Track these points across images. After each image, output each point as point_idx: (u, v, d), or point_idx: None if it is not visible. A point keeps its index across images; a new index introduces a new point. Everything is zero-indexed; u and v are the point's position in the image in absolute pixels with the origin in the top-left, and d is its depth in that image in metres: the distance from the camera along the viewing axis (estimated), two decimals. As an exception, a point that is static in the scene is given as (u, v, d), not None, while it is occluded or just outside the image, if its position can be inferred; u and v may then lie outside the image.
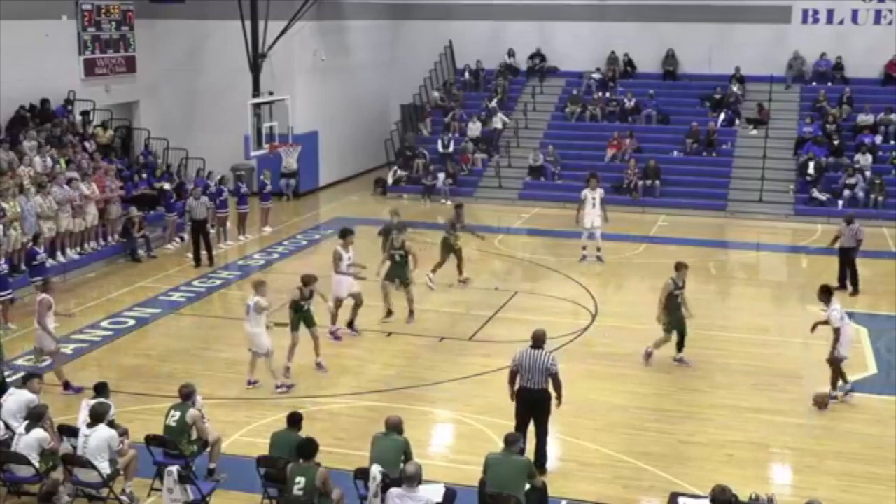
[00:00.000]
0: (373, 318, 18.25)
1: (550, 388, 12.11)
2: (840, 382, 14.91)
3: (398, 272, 18.30)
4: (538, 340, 12.23)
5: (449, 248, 21.02)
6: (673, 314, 16.09)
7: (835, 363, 14.79)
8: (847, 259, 21.05)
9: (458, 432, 14.05)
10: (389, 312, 18.43)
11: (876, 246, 24.64)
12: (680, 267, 16.32)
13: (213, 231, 24.13)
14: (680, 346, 16.31)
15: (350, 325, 17.80)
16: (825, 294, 15.07)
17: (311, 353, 16.02)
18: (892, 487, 12.20)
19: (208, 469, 11.93)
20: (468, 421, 14.02)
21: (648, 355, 16.29)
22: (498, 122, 33.19)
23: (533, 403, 12.11)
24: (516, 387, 12.23)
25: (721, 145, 31.72)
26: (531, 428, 12.20)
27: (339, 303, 17.50)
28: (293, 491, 10.08)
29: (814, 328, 15.30)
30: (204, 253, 22.74)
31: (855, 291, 20.75)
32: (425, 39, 36.56)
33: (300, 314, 15.73)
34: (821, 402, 14.66)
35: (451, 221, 21.27)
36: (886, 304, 20.60)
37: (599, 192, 22.81)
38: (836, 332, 14.65)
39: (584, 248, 23.25)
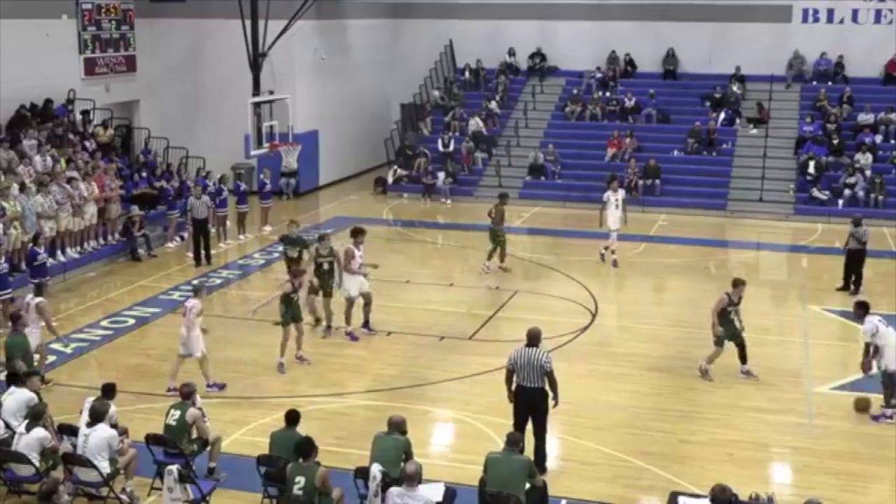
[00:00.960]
0: (373, 317, 18.28)
1: (547, 387, 12.11)
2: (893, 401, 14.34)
3: (323, 283, 17.51)
4: (533, 339, 12.24)
5: (495, 239, 21.90)
6: (726, 328, 15.66)
7: (886, 378, 14.25)
8: (853, 260, 21.02)
9: (459, 431, 14.05)
10: (318, 321, 17.99)
11: (876, 245, 24.58)
12: (737, 283, 15.81)
13: (213, 230, 24.19)
14: (743, 358, 15.78)
15: (366, 324, 17.85)
16: (858, 309, 14.71)
17: (309, 355, 16.11)
18: (893, 486, 12.21)
19: (208, 468, 11.93)
20: (468, 420, 14.01)
21: (705, 372, 15.78)
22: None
23: (530, 402, 12.11)
24: (514, 386, 12.23)
25: (721, 145, 31.72)
26: (529, 427, 12.18)
27: (351, 302, 17.51)
28: (293, 490, 10.08)
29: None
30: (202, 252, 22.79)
31: (855, 292, 20.72)
32: (425, 38, 36.57)
33: (291, 307, 15.87)
34: (861, 407, 14.39)
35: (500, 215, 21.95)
36: (886, 303, 20.56)
37: (621, 194, 22.79)
38: (869, 346, 14.18)
39: (612, 252, 23.22)
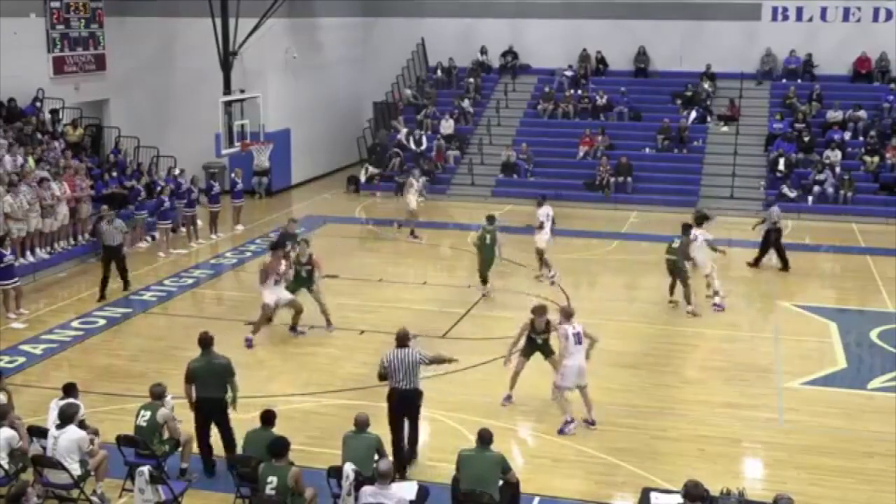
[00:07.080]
0: (346, 316, 18.26)
1: (421, 387, 12.39)
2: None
3: (302, 284, 17.64)
4: (403, 339, 12.43)
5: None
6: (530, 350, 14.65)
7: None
8: (768, 240, 22.44)
9: (431, 430, 14.01)
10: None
11: (844, 241, 24.87)
12: (536, 312, 14.45)
13: (183, 230, 24.54)
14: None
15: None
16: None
17: (282, 354, 16.04)
18: (861, 481, 12.34)
19: (180, 469, 11.87)
20: (440, 418, 14.01)
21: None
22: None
23: (407, 404, 12.33)
24: (388, 390, 12.44)
25: (692, 142, 31.89)
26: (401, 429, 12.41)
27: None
28: (265, 490, 10.05)
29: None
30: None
31: (785, 268, 22.09)
32: (397, 37, 36.53)
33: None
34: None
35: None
36: (855, 299, 20.82)
37: None
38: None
39: None
